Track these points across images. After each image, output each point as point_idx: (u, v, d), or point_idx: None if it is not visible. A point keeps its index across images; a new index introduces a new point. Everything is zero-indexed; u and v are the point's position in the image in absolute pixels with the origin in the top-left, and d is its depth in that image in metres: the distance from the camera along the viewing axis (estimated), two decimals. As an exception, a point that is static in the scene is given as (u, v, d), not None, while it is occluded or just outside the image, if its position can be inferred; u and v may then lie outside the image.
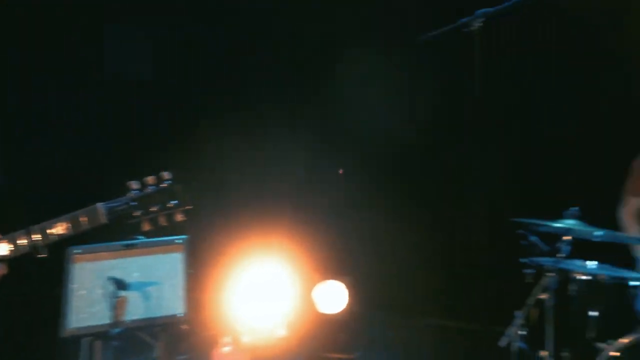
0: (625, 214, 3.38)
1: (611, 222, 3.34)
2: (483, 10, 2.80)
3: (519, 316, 2.89)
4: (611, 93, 3.86)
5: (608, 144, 3.82)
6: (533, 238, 2.93)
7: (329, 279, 3.70)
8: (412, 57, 4.04)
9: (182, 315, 3.01)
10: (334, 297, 3.68)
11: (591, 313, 2.78)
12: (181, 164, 2.14)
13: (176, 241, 3.05)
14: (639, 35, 3.71)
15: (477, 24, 2.82)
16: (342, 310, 3.65)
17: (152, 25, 4.14)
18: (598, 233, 2.77)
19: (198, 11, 4.36)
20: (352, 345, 3.67)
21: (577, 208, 2.80)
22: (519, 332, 2.89)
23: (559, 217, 2.81)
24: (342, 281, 3.69)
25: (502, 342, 2.90)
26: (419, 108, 4.32)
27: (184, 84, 4.30)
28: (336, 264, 3.92)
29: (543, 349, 2.79)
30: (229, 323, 3.46)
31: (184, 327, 3.08)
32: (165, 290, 3.00)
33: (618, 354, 2.63)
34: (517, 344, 2.89)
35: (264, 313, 3.52)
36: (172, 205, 1.89)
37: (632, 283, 2.80)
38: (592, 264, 2.92)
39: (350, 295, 3.66)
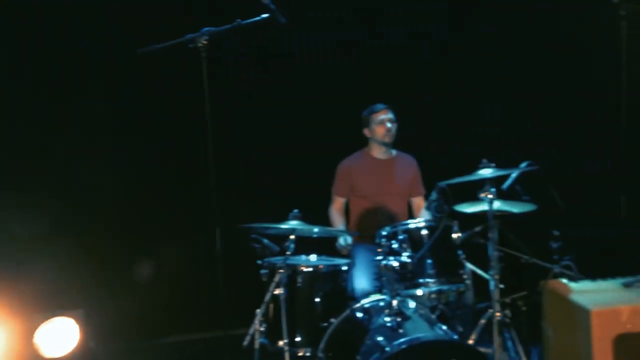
0: (333, 210, 4.02)
1: (324, 219, 3.93)
2: (208, 28, 3.01)
3: (259, 314, 3.07)
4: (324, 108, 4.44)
5: (319, 153, 4.35)
6: (265, 241, 3.18)
7: (53, 316, 3.30)
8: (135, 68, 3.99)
9: None
10: (62, 336, 3.28)
11: (316, 299, 3.18)
12: None
13: None
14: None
15: (202, 41, 3.01)
16: (74, 350, 3.27)
17: None
18: (316, 230, 3.22)
19: None
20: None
21: (297, 210, 3.15)
22: (260, 329, 3.06)
23: (284, 219, 3.13)
24: (71, 316, 3.32)
25: (246, 341, 3.05)
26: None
27: None
28: (61, 298, 3.53)
29: (281, 338, 3.04)
30: None
31: None
32: None
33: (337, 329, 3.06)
34: (259, 340, 3.05)
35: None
36: None
37: (343, 268, 3.30)
38: (312, 257, 3.32)
39: (82, 331, 3.33)
